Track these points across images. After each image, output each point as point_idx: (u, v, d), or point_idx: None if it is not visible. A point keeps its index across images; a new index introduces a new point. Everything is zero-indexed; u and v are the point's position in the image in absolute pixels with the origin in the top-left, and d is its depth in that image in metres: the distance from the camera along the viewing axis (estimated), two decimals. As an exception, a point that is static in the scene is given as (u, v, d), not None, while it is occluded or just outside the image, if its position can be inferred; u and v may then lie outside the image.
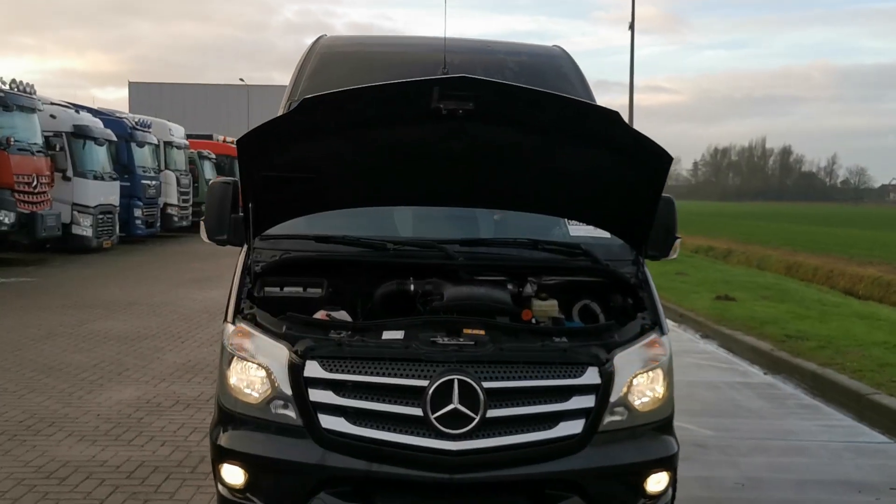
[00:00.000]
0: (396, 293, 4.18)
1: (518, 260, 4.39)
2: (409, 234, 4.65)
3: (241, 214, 4.16)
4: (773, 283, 17.00)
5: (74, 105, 21.66)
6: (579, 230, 4.65)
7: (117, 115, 25.05)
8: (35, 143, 18.00)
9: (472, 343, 3.55)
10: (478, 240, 4.51)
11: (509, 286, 4.26)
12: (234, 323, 3.83)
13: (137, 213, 23.32)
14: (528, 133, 3.74)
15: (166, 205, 26.00)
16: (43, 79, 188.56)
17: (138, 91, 71.86)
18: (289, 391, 3.51)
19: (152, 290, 14.03)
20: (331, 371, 3.47)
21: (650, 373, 3.70)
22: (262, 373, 3.60)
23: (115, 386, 7.59)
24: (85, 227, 19.73)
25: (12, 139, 16.78)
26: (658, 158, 3.66)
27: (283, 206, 4.15)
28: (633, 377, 3.64)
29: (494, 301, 3.97)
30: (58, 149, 19.13)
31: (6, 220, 16.77)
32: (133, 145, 23.47)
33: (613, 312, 4.27)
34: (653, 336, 3.79)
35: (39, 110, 18.44)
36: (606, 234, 4.40)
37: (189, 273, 16.77)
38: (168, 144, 26.87)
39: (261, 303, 3.98)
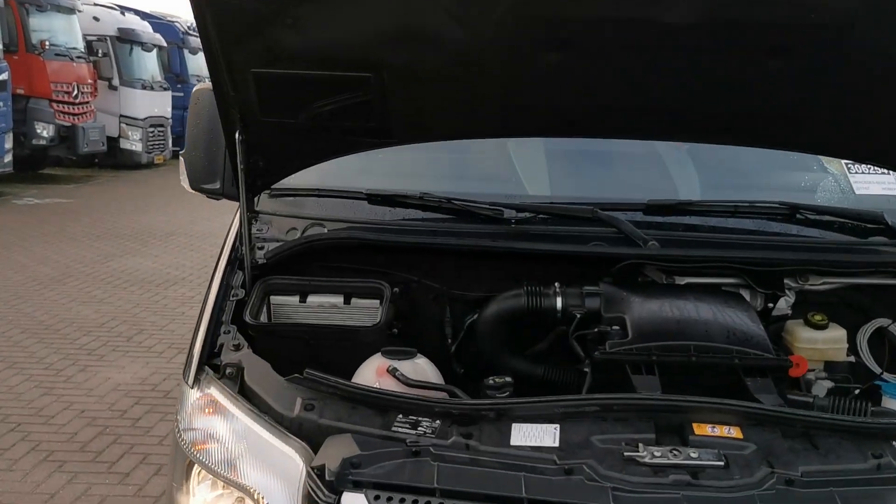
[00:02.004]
0: (524, 312, 2.17)
1: (764, 245, 2.29)
2: (542, 192, 2.57)
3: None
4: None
5: (120, 7, 19.80)
6: (869, 185, 2.50)
7: (168, 18, 23.10)
8: (75, 48, 16.26)
9: (722, 467, 1.60)
10: (678, 204, 2.40)
11: (746, 296, 2.21)
12: (196, 386, 1.86)
13: (192, 125, 21.61)
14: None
15: (224, 117, 24.25)
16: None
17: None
18: None
19: (195, 217, 12.29)
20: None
21: None
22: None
23: (119, 359, 5.86)
24: (133, 142, 18.16)
25: (47, 43, 15.04)
26: None
27: (305, 138, 2.13)
28: None
29: (745, 341, 1.96)
30: (101, 54, 17.40)
31: (44, 134, 15.29)
32: (186, 52, 21.61)
33: None
34: None
35: (79, 11, 16.66)
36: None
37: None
38: (226, 51, 24.90)
39: (259, 336, 2.00)
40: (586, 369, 2.09)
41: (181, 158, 2.61)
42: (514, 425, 1.71)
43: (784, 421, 1.70)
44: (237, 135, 2.03)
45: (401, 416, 1.76)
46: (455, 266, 2.40)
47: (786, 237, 2.39)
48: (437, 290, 2.44)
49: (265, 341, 2.05)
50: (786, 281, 2.25)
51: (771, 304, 2.24)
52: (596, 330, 2.08)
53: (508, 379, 2.02)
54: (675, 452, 1.62)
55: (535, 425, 1.71)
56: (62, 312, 7.01)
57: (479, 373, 2.32)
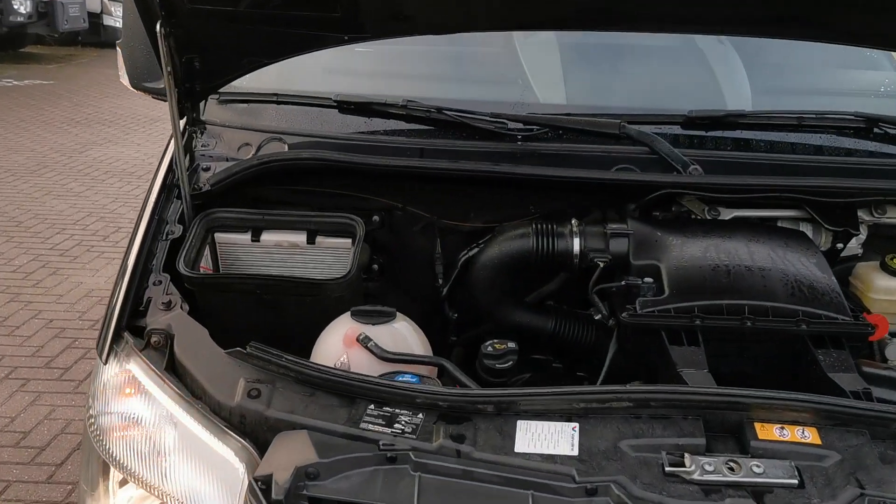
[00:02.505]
0: (531, 257, 1.74)
1: (834, 168, 1.83)
2: (556, 100, 2.09)
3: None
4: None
5: None
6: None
7: None
8: (49, -88, 15.08)
9: (795, 486, 1.24)
10: (727, 116, 1.93)
11: (808, 232, 1.79)
12: (113, 359, 1.44)
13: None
14: None
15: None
16: None
17: None
18: None
19: (182, 102, 11.67)
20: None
21: None
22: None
23: (93, 261, 5.48)
24: (117, 17, 17.17)
25: None
26: None
27: (251, 32, 1.64)
28: None
29: (813, 300, 1.62)
30: (77, -79, 16.19)
31: (21, 10, 14.40)
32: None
33: None
34: None
35: None
36: None
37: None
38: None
39: (201, 290, 1.59)
40: (610, 321, 1.68)
41: (118, 49, 2.12)
42: (519, 423, 1.31)
43: (877, 421, 1.29)
44: (158, 27, 1.54)
45: (372, 406, 1.35)
46: (447, 190, 1.95)
47: (861, 158, 1.92)
48: (426, 219, 2.00)
49: (206, 296, 1.62)
50: (860, 212, 1.80)
51: (840, 245, 1.80)
52: (623, 282, 1.65)
53: (511, 345, 1.61)
54: (732, 465, 1.23)
55: (546, 423, 1.31)
56: (35, 207, 6.59)
57: (475, 318, 1.91)
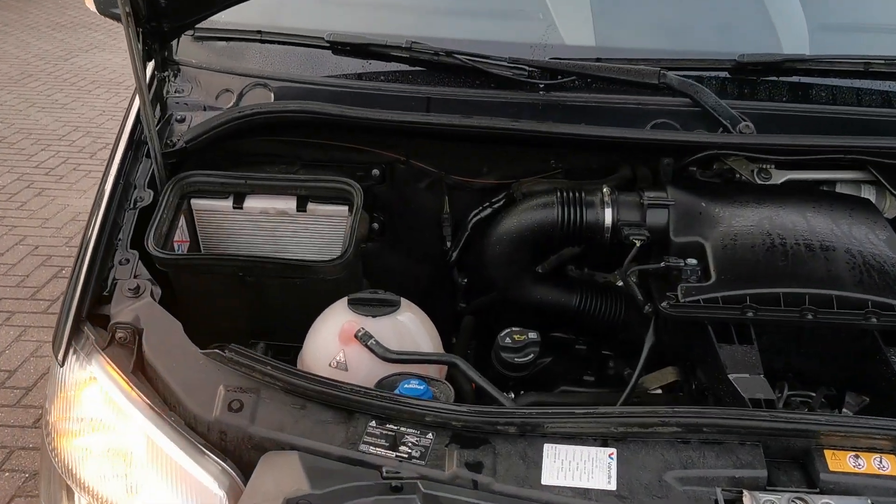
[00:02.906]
0: (555, 230, 1.51)
1: None
2: (583, 41, 1.82)
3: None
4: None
5: None
6: None
7: None
8: None
9: None
10: (785, 61, 1.65)
11: (871, 197, 1.56)
12: (72, 359, 1.23)
13: None
14: None
15: None
16: None
17: None
18: None
19: None
20: None
21: None
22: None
23: (80, 181, 5.25)
24: None
25: None
26: None
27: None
28: None
29: (885, 287, 1.39)
30: None
31: None
32: None
33: None
34: None
35: None
36: None
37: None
38: None
39: (175, 273, 1.37)
40: (646, 307, 1.47)
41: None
42: (546, 448, 1.12)
43: None
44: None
45: (374, 423, 1.16)
46: (456, 143, 1.70)
47: None
48: (432, 174, 1.76)
49: (181, 278, 1.40)
50: None
51: None
52: (663, 264, 1.43)
53: (532, 335, 1.41)
54: (798, 503, 1.05)
55: (579, 448, 1.12)
56: (19, 121, 6.29)
57: (486, 284, 1.71)
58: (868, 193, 1.62)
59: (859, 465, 1.10)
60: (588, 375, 1.58)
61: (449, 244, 1.79)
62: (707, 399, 1.41)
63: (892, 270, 1.38)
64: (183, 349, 1.24)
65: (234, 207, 1.55)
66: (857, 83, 1.69)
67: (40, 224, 4.65)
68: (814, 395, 1.38)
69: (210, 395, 1.18)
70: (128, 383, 1.21)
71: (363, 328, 1.33)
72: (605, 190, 1.55)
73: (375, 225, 1.80)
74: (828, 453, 1.10)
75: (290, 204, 1.57)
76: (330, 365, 1.31)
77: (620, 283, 1.73)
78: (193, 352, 1.23)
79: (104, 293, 1.35)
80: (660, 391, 1.55)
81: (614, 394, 1.46)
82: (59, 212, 4.79)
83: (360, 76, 1.70)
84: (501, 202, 1.77)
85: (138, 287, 1.33)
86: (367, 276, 1.66)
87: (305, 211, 1.57)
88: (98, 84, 7.27)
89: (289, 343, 1.49)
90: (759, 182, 1.58)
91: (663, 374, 1.56)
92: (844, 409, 1.34)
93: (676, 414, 1.13)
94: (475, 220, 1.77)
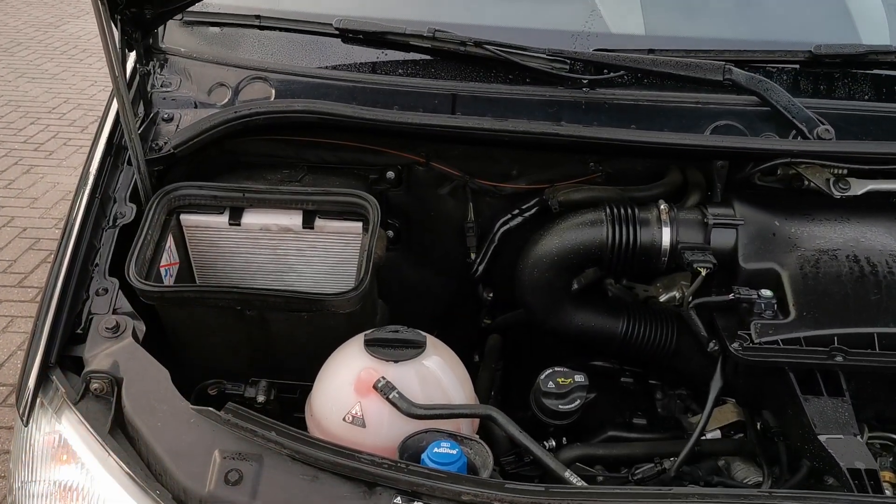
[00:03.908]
0: (603, 252, 1.30)
1: None
2: (632, 30, 1.59)
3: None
4: None
5: None
6: None
7: None
8: None
9: None
10: (868, 53, 1.43)
11: None
12: (39, 417, 1.02)
13: None
14: None
15: None
16: None
17: None
18: None
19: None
20: None
21: None
22: None
23: (70, 157, 5.05)
24: None
25: None
26: None
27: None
28: None
29: None
30: None
31: None
32: None
33: None
34: None
35: None
36: None
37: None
38: None
39: (163, 307, 1.15)
40: (711, 345, 1.26)
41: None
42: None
43: None
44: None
45: (399, 499, 0.96)
46: (484, 145, 1.49)
47: None
48: (456, 178, 1.55)
49: (169, 310, 1.20)
50: None
51: None
52: (732, 296, 1.22)
53: (579, 378, 1.21)
54: None
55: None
56: (8, 92, 6.05)
57: (518, 307, 1.51)
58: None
59: None
60: (638, 417, 1.39)
61: (473, 256, 1.59)
62: (776, 446, 1.23)
63: None
64: (171, 404, 1.04)
65: (230, 224, 1.33)
66: None
67: (28, 204, 4.45)
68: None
69: (203, 463, 0.98)
70: (104, 447, 1.02)
71: (383, 377, 1.13)
72: (662, 206, 1.34)
73: (390, 233, 1.59)
74: None
75: (294, 219, 1.35)
76: (344, 419, 1.11)
77: (663, 298, 1.54)
78: (183, 408, 1.03)
79: (78, 330, 1.14)
80: (718, 432, 1.36)
81: (671, 442, 1.27)
82: (48, 191, 4.58)
83: (374, 68, 1.47)
84: (533, 210, 1.57)
85: (117, 325, 1.13)
86: (380, 289, 1.46)
87: (313, 228, 1.35)
88: (90, 53, 7.02)
89: (295, 381, 1.29)
90: (837, 193, 1.37)
91: (723, 412, 1.36)
92: None
93: (773, 496, 0.93)
94: (503, 229, 1.56)
